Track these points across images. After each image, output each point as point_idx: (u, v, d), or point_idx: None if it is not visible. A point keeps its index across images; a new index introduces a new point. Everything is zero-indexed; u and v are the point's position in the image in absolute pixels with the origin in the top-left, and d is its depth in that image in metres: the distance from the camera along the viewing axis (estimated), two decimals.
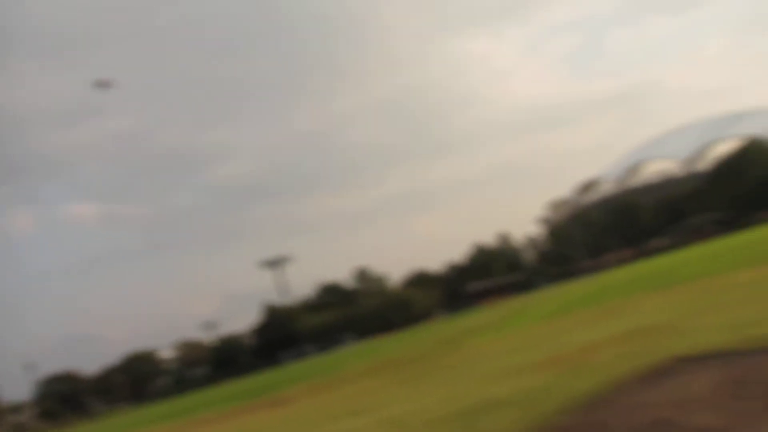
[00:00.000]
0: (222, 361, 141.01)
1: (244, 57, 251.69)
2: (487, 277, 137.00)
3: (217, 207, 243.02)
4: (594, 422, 9.42)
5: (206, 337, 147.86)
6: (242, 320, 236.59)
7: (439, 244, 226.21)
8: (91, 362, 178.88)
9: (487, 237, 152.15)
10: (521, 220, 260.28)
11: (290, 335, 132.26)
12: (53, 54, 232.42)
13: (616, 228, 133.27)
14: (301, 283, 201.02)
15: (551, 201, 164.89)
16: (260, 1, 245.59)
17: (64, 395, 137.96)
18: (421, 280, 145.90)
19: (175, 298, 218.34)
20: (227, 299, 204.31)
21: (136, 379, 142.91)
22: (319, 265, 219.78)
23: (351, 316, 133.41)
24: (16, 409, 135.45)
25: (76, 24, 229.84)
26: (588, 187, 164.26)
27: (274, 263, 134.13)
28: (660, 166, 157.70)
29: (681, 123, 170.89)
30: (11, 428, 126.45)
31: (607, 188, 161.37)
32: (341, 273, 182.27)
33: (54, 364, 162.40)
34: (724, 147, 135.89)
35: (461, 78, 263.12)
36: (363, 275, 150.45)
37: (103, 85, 62.48)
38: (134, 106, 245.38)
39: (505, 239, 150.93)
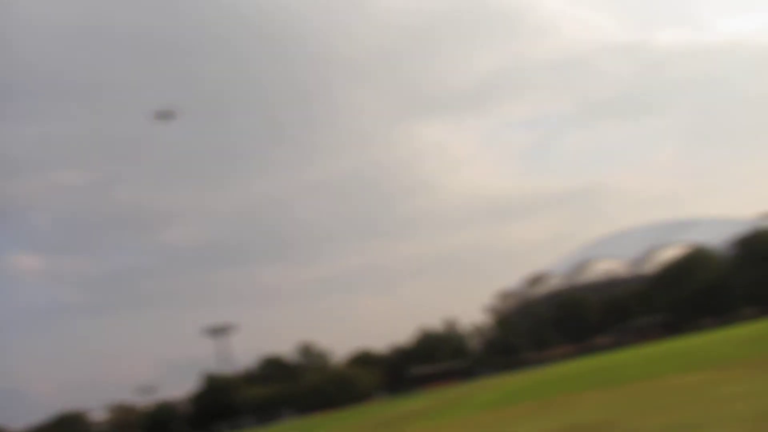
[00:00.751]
0: (155, 428, 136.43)
1: (207, 121, 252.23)
2: (432, 361, 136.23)
3: (165, 269, 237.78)
4: None
5: (141, 401, 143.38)
6: (180, 387, 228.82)
7: (386, 325, 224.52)
8: (17, 417, 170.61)
9: (434, 321, 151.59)
10: (469, 307, 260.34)
11: (228, 406, 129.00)
12: (10, 102, 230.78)
13: (561, 322, 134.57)
14: (244, 353, 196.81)
15: (500, 291, 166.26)
16: (232, 67, 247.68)
17: None
18: (365, 360, 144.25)
19: (112, 359, 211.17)
20: (166, 364, 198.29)
21: None
22: (263, 336, 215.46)
23: (292, 391, 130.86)
24: None
25: (37, 74, 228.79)
26: (536, 280, 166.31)
27: (218, 331, 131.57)
28: (607, 266, 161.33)
29: (629, 225, 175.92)
30: None
31: (554, 283, 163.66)
32: (285, 346, 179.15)
33: None
34: (670, 252, 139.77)
35: (420, 162, 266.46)
36: (307, 350, 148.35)
37: (165, 116, 61.11)
38: (92, 159, 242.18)
39: (451, 325, 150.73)
